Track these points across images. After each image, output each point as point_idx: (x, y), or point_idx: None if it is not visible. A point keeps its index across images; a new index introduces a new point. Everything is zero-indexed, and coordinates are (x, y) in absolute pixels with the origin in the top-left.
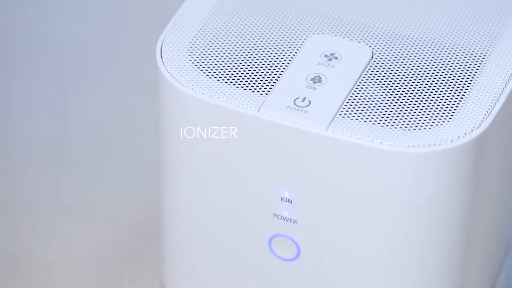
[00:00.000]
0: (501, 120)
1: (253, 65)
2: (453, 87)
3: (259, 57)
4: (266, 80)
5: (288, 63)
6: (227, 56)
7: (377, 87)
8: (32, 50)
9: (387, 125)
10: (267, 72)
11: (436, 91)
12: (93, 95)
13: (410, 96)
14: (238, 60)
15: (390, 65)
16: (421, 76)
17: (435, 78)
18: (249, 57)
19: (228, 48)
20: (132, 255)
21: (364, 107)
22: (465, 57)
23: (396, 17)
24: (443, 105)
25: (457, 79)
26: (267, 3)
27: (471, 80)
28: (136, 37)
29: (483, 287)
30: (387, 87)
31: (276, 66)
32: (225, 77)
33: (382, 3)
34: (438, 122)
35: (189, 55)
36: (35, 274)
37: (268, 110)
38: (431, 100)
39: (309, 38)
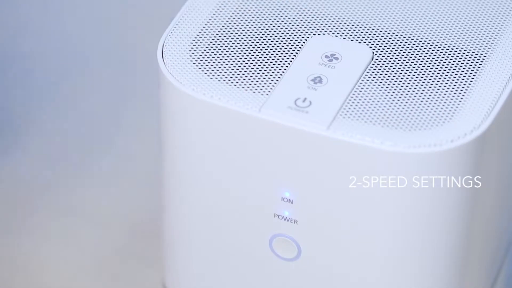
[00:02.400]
0: (501, 120)
1: (254, 65)
2: (453, 88)
3: (260, 57)
4: (267, 81)
5: (289, 63)
6: (228, 56)
7: (377, 88)
8: (33, 50)
9: (388, 126)
10: (268, 72)
11: (436, 92)
12: (94, 95)
13: (410, 97)
14: (239, 61)
15: (391, 66)
16: (421, 77)
17: (435, 79)
18: (250, 58)
19: (229, 48)
20: (133, 255)
21: (364, 108)
22: (465, 58)
23: (397, 18)
24: (443, 105)
25: (457, 79)
26: (268, 4)
27: (471, 81)
28: (137, 37)
29: (484, 287)
30: (387, 87)
31: (277, 67)
32: (226, 77)
33: (382, 4)
34: (438, 122)
35: (190, 55)
36: (35, 274)
37: (269, 111)
38: (431, 100)
39: (310, 39)
